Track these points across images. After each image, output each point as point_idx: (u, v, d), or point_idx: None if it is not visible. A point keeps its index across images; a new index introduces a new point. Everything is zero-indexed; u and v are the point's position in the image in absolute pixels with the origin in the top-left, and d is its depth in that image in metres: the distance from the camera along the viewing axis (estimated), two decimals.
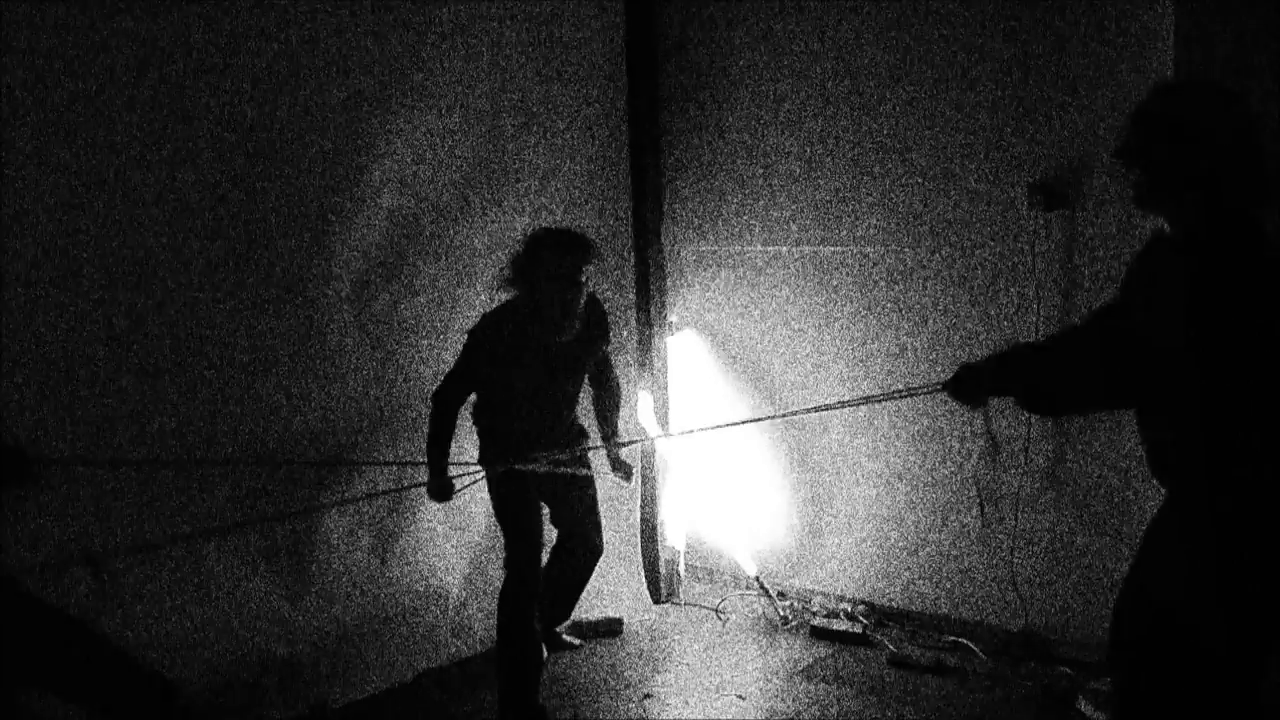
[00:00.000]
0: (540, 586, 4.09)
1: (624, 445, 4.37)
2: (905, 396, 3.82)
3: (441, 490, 3.97)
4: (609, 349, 4.28)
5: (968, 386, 2.80)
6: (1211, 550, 2.48)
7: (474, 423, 4.13)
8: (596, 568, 4.49)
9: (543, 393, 4.02)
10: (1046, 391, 2.69)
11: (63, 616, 2.96)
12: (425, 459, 3.96)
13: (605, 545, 4.44)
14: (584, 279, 3.88)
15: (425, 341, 4.42)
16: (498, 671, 4.04)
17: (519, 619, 3.98)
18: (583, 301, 3.92)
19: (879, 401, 4.31)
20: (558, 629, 4.61)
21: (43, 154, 3.43)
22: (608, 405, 4.37)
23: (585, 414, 4.33)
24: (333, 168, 4.14)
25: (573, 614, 4.63)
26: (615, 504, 5.17)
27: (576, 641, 4.72)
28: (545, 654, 4.45)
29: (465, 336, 3.98)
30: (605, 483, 4.42)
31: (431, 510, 4.39)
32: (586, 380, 4.25)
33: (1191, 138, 2.45)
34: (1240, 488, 2.44)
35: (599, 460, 4.37)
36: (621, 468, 4.35)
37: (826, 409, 4.26)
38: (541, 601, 4.15)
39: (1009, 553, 4.47)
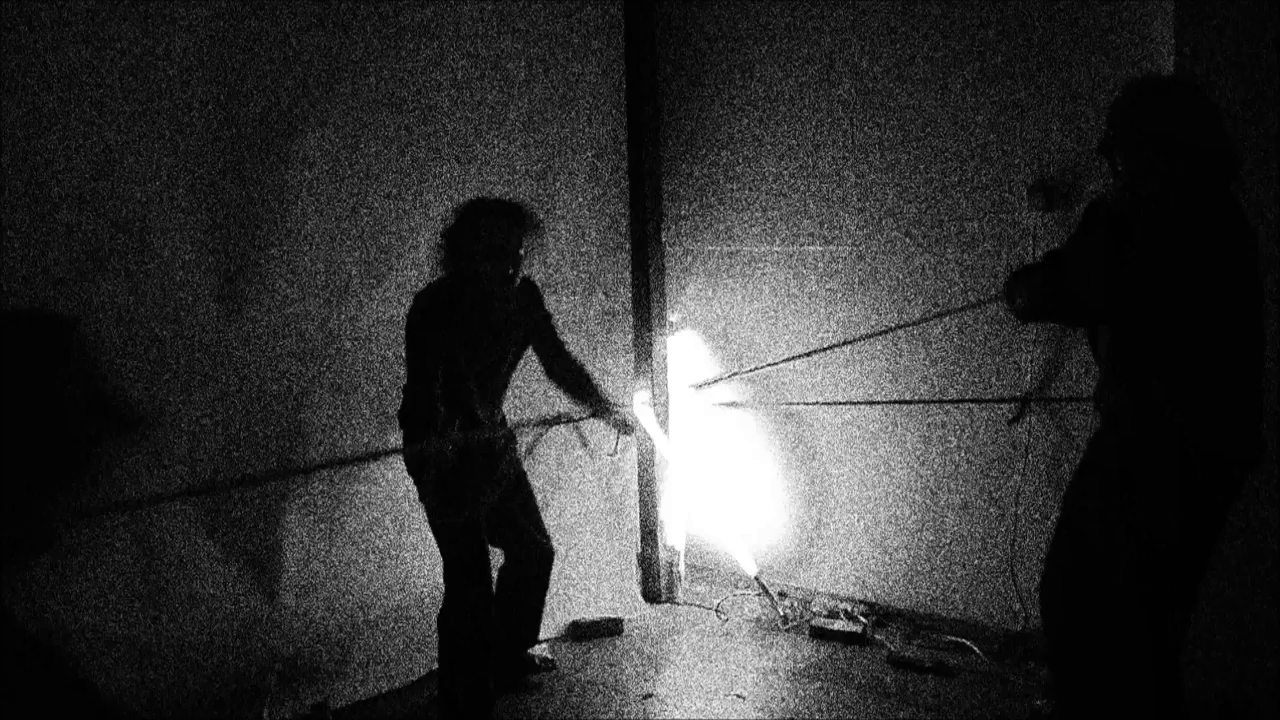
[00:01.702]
0: (490, 604, 3.79)
1: (610, 410, 3.95)
2: (964, 310, 4.26)
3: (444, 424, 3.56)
4: (547, 320, 3.98)
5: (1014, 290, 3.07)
6: (1127, 478, 2.81)
7: (399, 421, 3.83)
8: (554, 573, 4.14)
9: (472, 378, 3.71)
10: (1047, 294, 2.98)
11: (35, 642, 2.83)
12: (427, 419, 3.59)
13: (610, 543, 4.27)
14: (522, 252, 3.63)
15: None
16: (439, 700, 3.82)
17: (466, 644, 3.73)
18: (518, 279, 3.66)
19: (946, 316, 4.42)
20: (530, 650, 4.30)
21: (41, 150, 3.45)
22: (580, 380, 3.94)
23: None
24: (330, 163, 4.14)
25: (542, 631, 4.27)
26: (615, 504, 5.18)
27: (550, 657, 4.42)
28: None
29: (404, 325, 3.72)
30: (602, 481, 4.38)
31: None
32: (545, 374, 3.99)
33: (1160, 126, 2.81)
34: (1156, 421, 2.78)
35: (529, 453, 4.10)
36: (622, 425, 3.95)
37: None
38: (502, 626, 3.90)
39: (1009, 553, 4.47)
